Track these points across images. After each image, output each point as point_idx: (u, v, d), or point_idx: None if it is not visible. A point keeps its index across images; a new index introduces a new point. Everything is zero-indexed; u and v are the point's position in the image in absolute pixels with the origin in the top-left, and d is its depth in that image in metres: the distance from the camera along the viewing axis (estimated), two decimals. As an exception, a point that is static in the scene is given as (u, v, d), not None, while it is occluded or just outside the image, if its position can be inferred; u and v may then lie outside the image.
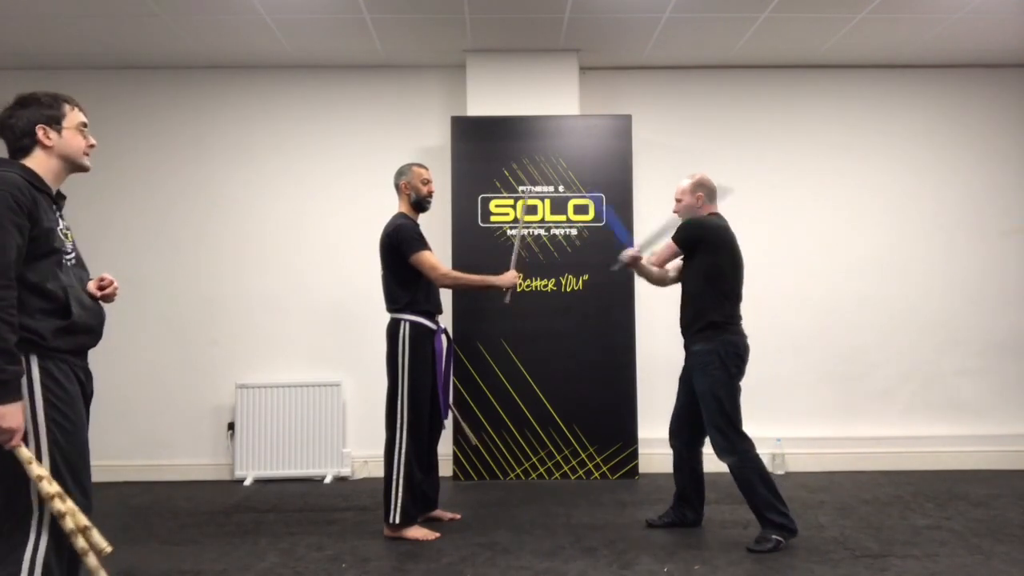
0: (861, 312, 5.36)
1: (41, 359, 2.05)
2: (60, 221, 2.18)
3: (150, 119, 5.35)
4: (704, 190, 3.70)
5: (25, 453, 1.97)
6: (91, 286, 2.25)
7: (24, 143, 2.17)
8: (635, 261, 3.79)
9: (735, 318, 3.58)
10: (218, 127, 5.39)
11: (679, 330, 3.72)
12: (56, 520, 1.99)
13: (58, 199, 2.22)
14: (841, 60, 5.33)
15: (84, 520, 2.01)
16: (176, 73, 5.38)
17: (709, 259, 3.57)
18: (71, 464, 2.07)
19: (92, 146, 2.28)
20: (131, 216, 5.30)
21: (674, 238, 3.64)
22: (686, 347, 3.69)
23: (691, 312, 3.62)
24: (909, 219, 5.41)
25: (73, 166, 2.24)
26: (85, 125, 2.26)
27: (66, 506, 1.98)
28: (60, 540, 2.02)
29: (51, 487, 1.97)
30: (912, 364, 5.35)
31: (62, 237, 2.15)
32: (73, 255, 2.21)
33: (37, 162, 2.17)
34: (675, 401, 3.80)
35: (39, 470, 1.97)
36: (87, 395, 2.24)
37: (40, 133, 2.16)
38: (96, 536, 2.02)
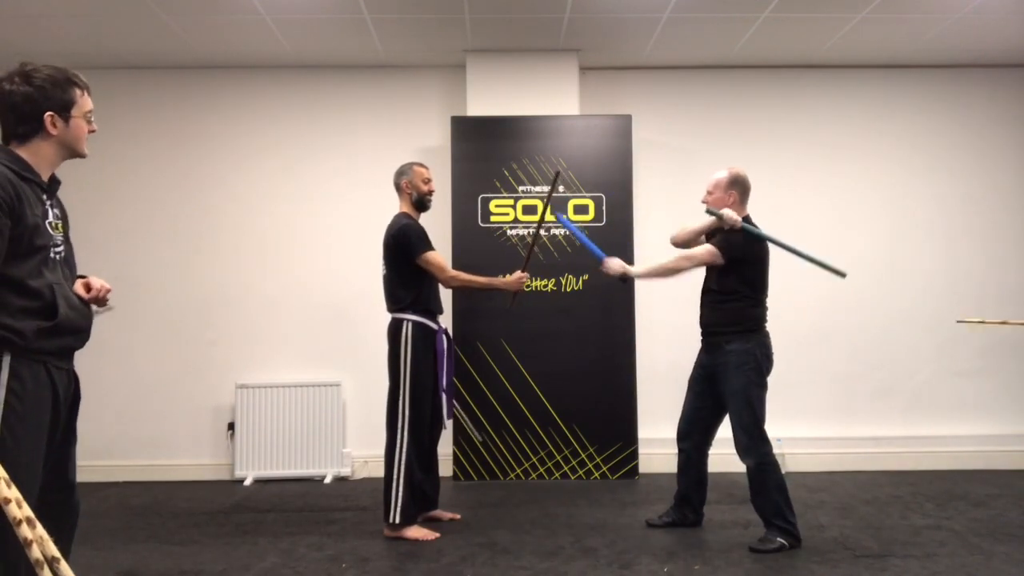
0: (861, 312, 5.36)
1: (15, 360, 1.91)
2: (49, 211, 2.03)
3: (150, 119, 5.34)
4: (739, 189, 3.59)
5: None
6: (79, 288, 2.10)
7: (25, 129, 2.01)
8: (624, 276, 3.70)
9: (765, 322, 3.57)
10: (218, 127, 5.38)
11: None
12: (6, 540, 1.79)
13: (51, 184, 2.08)
14: (841, 60, 5.33)
15: (53, 550, 1.77)
16: (176, 73, 5.38)
17: (753, 268, 3.52)
18: (18, 473, 1.84)
19: (92, 131, 2.13)
20: (130, 216, 5.29)
21: (722, 251, 3.49)
22: (712, 347, 3.59)
23: (726, 312, 3.53)
24: (909, 219, 5.41)
25: (71, 153, 2.10)
26: (91, 112, 2.11)
27: (34, 533, 1.75)
28: (9, 565, 1.85)
29: (19, 511, 1.75)
30: (912, 364, 5.35)
31: (50, 230, 2.01)
32: (62, 248, 2.06)
33: (33, 149, 2.02)
34: (684, 403, 3.74)
35: (7, 491, 1.76)
36: (67, 399, 2.08)
37: (47, 122, 2.00)
38: (64, 568, 1.80)
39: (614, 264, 3.69)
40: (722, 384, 3.52)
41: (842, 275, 3.58)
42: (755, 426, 3.44)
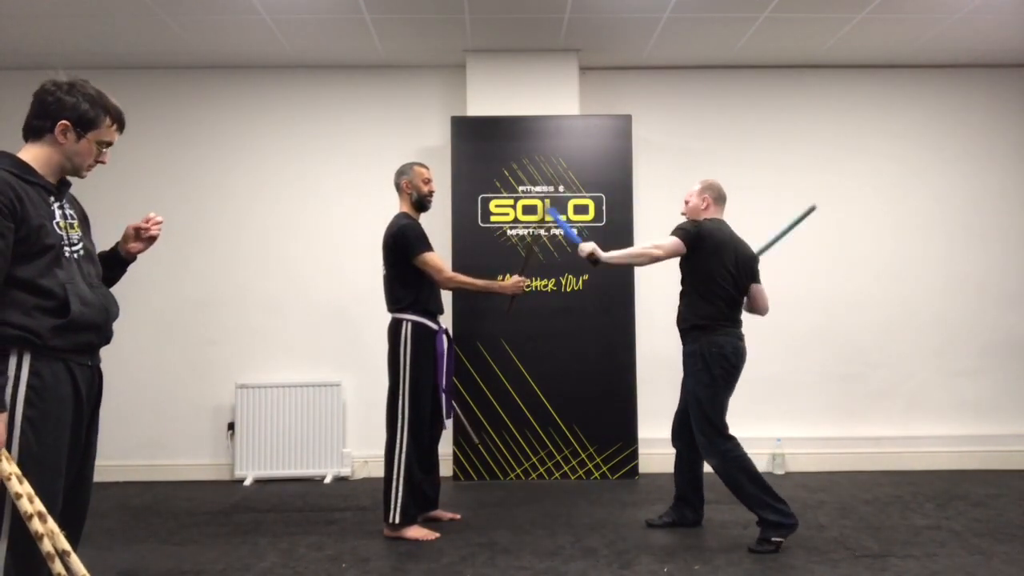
0: (861, 312, 5.36)
1: (34, 358, 1.96)
2: (57, 212, 2.07)
3: (150, 119, 5.34)
4: (711, 193, 3.71)
5: (4, 468, 1.85)
6: (128, 230, 2.30)
7: (41, 124, 2.08)
8: (592, 257, 3.65)
9: (723, 320, 3.54)
10: (218, 127, 5.39)
11: (675, 329, 3.74)
12: (21, 531, 1.86)
13: (60, 187, 2.13)
14: (841, 60, 5.33)
15: (64, 543, 1.86)
16: (176, 73, 5.38)
17: (700, 261, 3.54)
18: (39, 468, 1.94)
19: (100, 162, 2.19)
20: (130, 216, 5.22)
21: (682, 240, 3.54)
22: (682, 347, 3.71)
23: (680, 312, 3.67)
24: (909, 219, 5.41)
25: (72, 170, 2.15)
26: (108, 145, 2.18)
27: (45, 527, 1.84)
28: (22, 555, 1.89)
29: (30, 506, 1.83)
30: (912, 364, 5.35)
31: (58, 230, 2.05)
32: (80, 246, 2.11)
33: (40, 151, 2.08)
34: (678, 402, 3.80)
35: (18, 487, 1.83)
36: (91, 396, 2.13)
37: (59, 129, 2.06)
38: (75, 561, 1.87)
39: (586, 247, 3.68)
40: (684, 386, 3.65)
41: (812, 208, 3.78)
42: (709, 426, 3.48)
